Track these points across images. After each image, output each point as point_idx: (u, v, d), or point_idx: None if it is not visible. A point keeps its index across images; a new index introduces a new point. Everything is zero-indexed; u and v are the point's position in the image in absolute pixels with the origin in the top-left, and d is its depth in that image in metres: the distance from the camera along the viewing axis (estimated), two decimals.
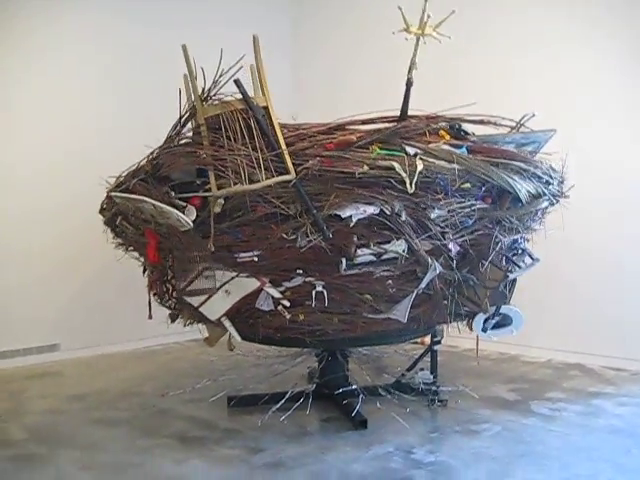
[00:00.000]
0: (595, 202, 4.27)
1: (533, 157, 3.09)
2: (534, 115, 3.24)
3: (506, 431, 3.00)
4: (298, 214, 2.73)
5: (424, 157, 2.77)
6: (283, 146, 2.77)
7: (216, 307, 3.06)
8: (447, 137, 3.01)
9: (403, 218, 2.75)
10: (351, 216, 2.68)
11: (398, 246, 2.80)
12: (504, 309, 3.23)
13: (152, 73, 4.97)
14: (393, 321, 2.97)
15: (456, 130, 3.09)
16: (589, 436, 2.93)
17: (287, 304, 2.97)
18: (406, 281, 2.92)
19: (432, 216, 2.78)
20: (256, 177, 2.71)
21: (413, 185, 2.68)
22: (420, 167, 2.70)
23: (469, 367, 4.24)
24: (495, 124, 3.24)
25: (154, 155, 3.03)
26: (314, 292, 2.90)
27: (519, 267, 3.18)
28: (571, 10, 4.47)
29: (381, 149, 2.81)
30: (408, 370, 3.69)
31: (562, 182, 3.21)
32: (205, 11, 5.51)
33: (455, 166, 2.76)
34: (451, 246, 2.88)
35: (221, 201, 2.77)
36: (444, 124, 3.12)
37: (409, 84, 3.21)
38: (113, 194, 3.06)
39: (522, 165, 2.91)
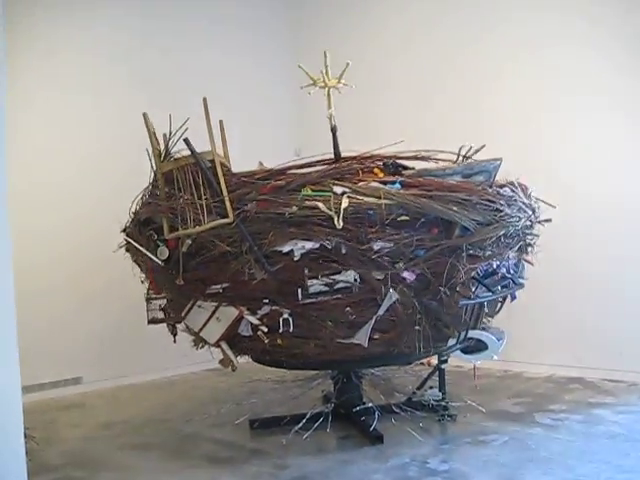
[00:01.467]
0: (591, 218, 4.53)
1: (485, 186, 3.16)
2: (472, 147, 3.40)
3: (513, 440, 3.21)
4: (245, 251, 3.07)
5: (352, 195, 2.97)
6: (225, 193, 3.08)
7: (212, 332, 3.41)
8: (381, 174, 3.22)
9: (344, 251, 3.00)
10: (292, 251, 3.01)
11: (348, 276, 3.06)
12: (474, 334, 3.35)
13: (163, 89, 5.27)
14: (366, 346, 3.18)
15: (391, 167, 3.28)
16: (590, 442, 3.14)
17: (265, 330, 3.26)
18: (365, 308, 3.14)
19: (375, 248, 3.00)
20: (200, 221, 3.11)
21: (340, 221, 2.90)
22: (345, 204, 2.91)
23: (475, 384, 4.45)
24: (429, 158, 3.40)
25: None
26: (281, 319, 3.19)
27: (493, 292, 3.31)
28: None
29: (313, 190, 3.05)
30: (418, 389, 3.91)
31: (528, 206, 3.29)
32: (211, 34, 5.85)
33: (383, 201, 2.96)
34: (406, 275, 3.07)
35: (188, 242, 3.18)
36: (379, 163, 3.35)
37: (333, 131, 3.45)
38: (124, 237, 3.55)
39: (460, 195, 3.01)
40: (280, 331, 3.19)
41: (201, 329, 3.43)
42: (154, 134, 3.33)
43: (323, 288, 3.09)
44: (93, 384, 4.88)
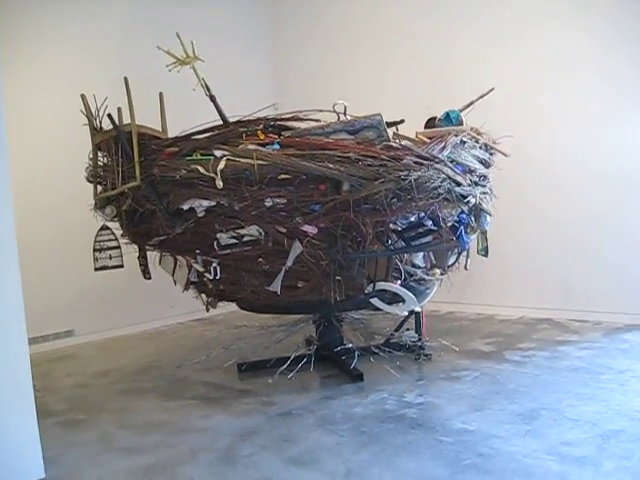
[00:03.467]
0: (561, 167, 4.76)
1: (374, 142, 3.23)
2: (345, 105, 3.50)
3: (483, 375, 3.47)
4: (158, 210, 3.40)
5: (231, 157, 3.14)
6: (136, 159, 3.35)
7: (180, 278, 3.80)
8: (262, 136, 3.35)
9: (236, 208, 3.22)
10: (193, 208, 3.29)
11: (251, 230, 3.31)
12: (384, 286, 3.39)
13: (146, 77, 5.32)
14: (297, 293, 3.44)
15: (271, 129, 3.41)
16: (554, 375, 3.40)
17: (210, 277, 3.56)
18: (276, 259, 3.37)
19: (267, 204, 3.19)
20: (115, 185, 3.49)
21: (220, 182, 3.11)
22: (221, 166, 3.11)
23: (450, 327, 4.72)
24: (301, 119, 3.47)
25: None
26: (211, 268, 3.50)
27: (409, 245, 3.40)
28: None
29: (202, 155, 3.23)
30: (396, 330, 4.14)
31: (429, 159, 3.20)
32: (189, 18, 5.89)
33: (257, 162, 3.08)
34: (307, 228, 3.22)
35: (128, 201, 3.50)
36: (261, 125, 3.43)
37: (212, 99, 3.57)
38: None
39: (336, 153, 3.09)
40: (212, 278, 3.53)
41: (172, 275, 3.83)
42: (90, 112, 3.60)
43: (232, 241, 3.40)
44: (85, 336, 5.08)
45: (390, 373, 3.56)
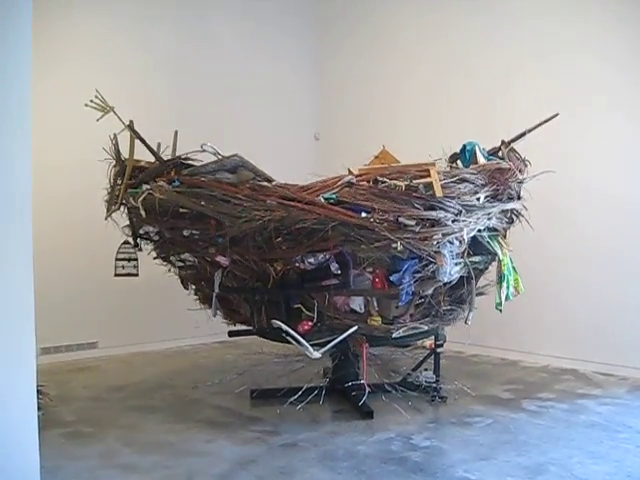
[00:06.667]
0: (590, 213, 4.66)
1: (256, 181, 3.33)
2: (212, 147, 3.48)
3: (496, 423, 3.39)
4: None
5: (152, 192, 3.43)
6: (122, 188, 3.68)
7: None
8: (172, 174, 3.54)
9: (168, 235, 3.59)
10: (148, 232, 3.71)
11: (186, 256, 3.69)
12: (276, 324, 3.38)
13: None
14: (239, 318, 3.80)
15: (179, 167, 3.58)
16: (569, 429, 3.30)
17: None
18: (211, 284, 3.63)
19: (185, 234, 3.46)
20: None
21: (142, 211, 3.48)
22: (141, 198, 3.47)
23: (471, 370, 4.63)
24: (188, 159, 3.66)
25: None
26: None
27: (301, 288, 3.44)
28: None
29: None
30: (413, 370, 4.08)
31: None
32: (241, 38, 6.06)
33: (159, 196, 3.38)
34: (220, 259, 3.45)
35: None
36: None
37: (144, 142, 3.72)
38: None
39: (205, 191, 3.27)
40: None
41: None
42: (117, 146, 3.85)
43: (180, 264, 3.81)
44: (108, 349, 5.14)
45: (401, 413, 3.49)
